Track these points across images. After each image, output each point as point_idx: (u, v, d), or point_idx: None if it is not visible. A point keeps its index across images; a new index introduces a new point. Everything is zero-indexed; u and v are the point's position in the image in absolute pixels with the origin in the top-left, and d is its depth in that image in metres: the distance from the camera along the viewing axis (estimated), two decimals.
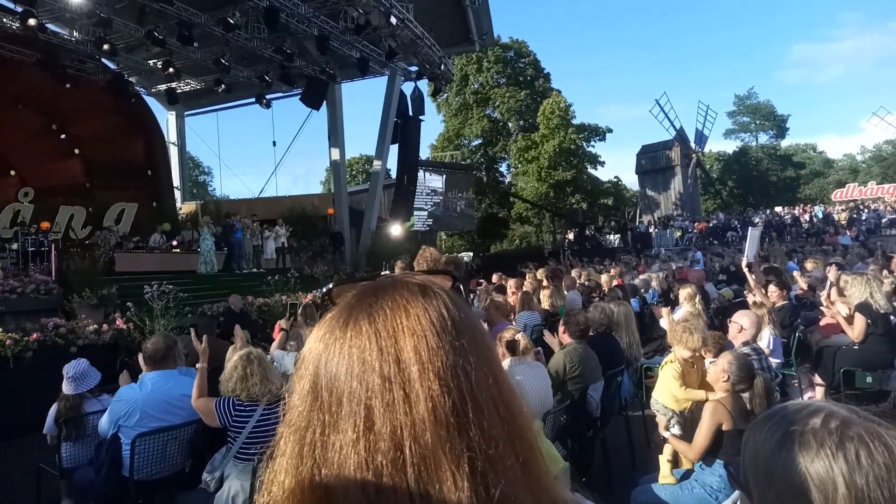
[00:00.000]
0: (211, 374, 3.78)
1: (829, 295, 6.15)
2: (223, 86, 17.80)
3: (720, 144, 60.87)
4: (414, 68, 19.27)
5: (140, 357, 3.94)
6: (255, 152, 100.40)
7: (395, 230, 20.71)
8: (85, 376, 4.24)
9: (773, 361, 4.96)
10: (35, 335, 7.68)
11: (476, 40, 20.79)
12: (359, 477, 0.56)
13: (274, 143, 25.70)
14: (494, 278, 10.68)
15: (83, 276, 10.40)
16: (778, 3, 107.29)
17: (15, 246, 12.81)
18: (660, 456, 3.58)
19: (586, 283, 10.11)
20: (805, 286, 8.29)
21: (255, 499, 0.66)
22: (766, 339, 5.10)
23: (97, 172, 18.63)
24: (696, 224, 31.38)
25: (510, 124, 41.26)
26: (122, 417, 3.65)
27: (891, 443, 0.79)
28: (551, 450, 2.40)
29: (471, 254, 31.76)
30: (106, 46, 14.27)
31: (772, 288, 6.73)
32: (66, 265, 11.03)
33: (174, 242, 16.56)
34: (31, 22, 12.86)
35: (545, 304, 7.98)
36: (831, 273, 7.33)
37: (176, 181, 22.58)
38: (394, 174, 22.64)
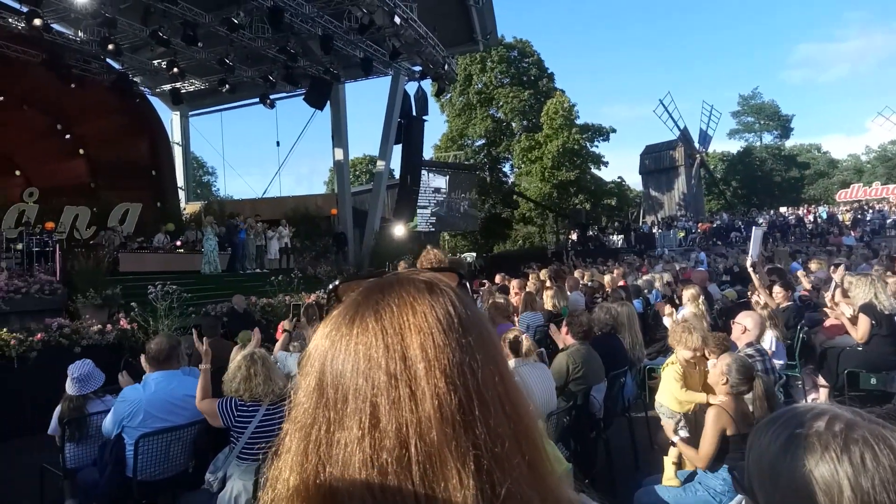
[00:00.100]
0: (215, 374, 3.79)
1: (833, 296, 6.12)
2: (227, 86, 17.83)
3: (724, 144, 60.70)
4: (417, 68, 19.27)
5: (143, 357, 3.95)
6: (258, 152, 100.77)
7: (399, 230, 20.72)
8: (89, 377, 4.25)
9: (777, 363, 4.93)
10: (39, 335, 7.69)
11: (480, 40, 20.77)
12: (363, 474, 0.56)
13: (278, 144, 25.72)
14: (497, 279, 10.68)
15: (87, 276, 10.43)
16: (782, 3, 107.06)
17: (20, 246, 12.83)
18: (665, 458, 3.57)
19: (589, 283, 10.10)
20: (809, 287, 8.26)
21: (259, 495, 0.66)
22: (768, 342, 5.08)
23: (102, 172, 18.67)
24: (699, 224, 31.30)
25: (514, 124, 41.23)
26: (125, 418, 3.65)
27: None
28: (554, 451, 2.40)
29: (474, 254, 31.79)
30: (110, 46, 14.29)
31: (777, 288, 6.71)
32: (70, 265, 11.06)
33: (178, 243, 16.58)
34: (37, 22, 12.91)
35: (548, 305, 7.97)
36: (837, 274, 7.30)
37: (180, 181, 22.63)
38: (397, 174, 22.66)
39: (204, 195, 35.83)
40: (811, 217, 30.33)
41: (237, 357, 3.62)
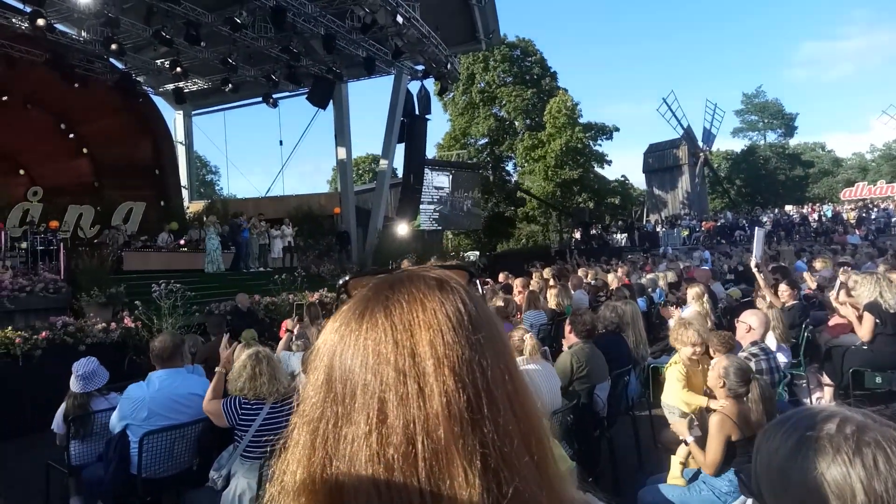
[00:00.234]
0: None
1: (837, 295, 6.10)
2: (230, 85, 17.84)
3: (728, 143, 60.53)
4: (420, 67, 19.26)
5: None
6: (261, 151, 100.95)
7: (402, 229, 20.73)
8: (94, 375, 4.26)
9: (781, 360, 4.91)
10: (44, 333, 7.72)
11: (482, 39, 20.74)
12: (370, 470, 0.56)
13: (281, 143, 25.83)
14: (501, 277, 10.67)
15: (91, 274, 10.46)
16: (786, 1, 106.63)
17: (24, 245, 12.87)
18: (672, 457, 3.55)
19: (593, 282, 10.09)
20: (814, 286, 8.23)
21: (266, 488, 0.66)
22: (771, 345, 5.06)
23: (105, 172, 18.72)
24: (703, 223, 31.23)
25: (517, 123, 41.16)
26: (129, 415, 3.67)
27: None
28: (558, 449, 2.39)
29: (477, 253, 31.72)
30: (114, 46, 14.34)
31: (783, 287, 6.69)
32: (74, 264, 11.10)
33: (182, 241, 16.62)
34: (40, 22, 12.94)
35: (552, 304, 7.97)
36: (843, 274, 7.28)
37: (183, 180, 22.64)
38: (400, 173, 22.64)
39: (207, 194, 35.82)
40: (816, 216, 30.25)
41: (242, 356, 3.62)
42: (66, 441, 4.17)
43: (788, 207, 33.85)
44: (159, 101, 21.28)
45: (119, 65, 17.73)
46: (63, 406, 4.27)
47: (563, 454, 2.43)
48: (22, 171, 17.80)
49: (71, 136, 18.53)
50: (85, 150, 18.76)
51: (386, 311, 0.62)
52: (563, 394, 4.20)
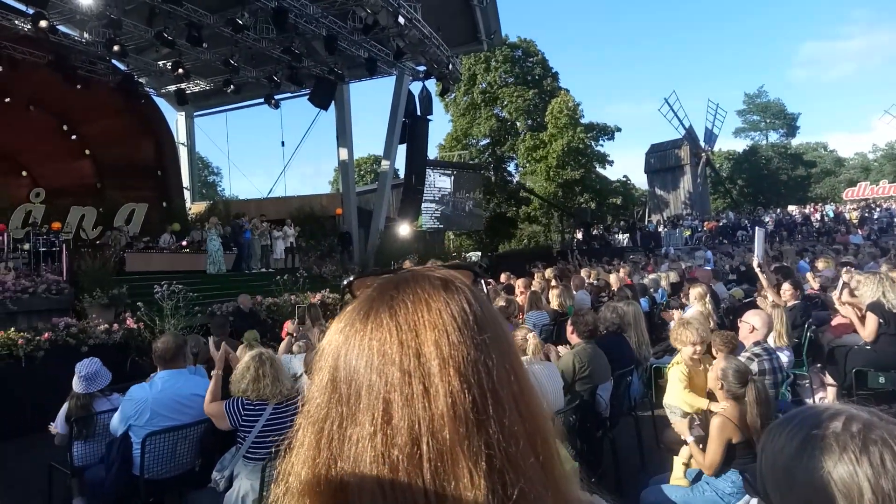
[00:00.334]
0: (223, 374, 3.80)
1: (840, 295, 6.08)
2: (232, 86, 17.85)
3: (730, 143, 60.51)
4: (422, 68, 19.27)
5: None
6: (263, 152, 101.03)
7: (404, 230, 20.72)
8: (97, 376, 4.26)
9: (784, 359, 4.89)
10: (47, 335, 7.74)
11: (484, 40, 20.75)
12: (374, 471, 0.56)
13: (283, 144, 25.85)
14: (503, 278, 10.65)
15: (94, 275, 10.47)
16: (787, 1, 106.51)
17: (27, 246, 12.91)
18: (675, 457, 3.54)
19: (595, 282, 10.07)
20: (816, 286, 8.21)
21: (271, 489, 0.66)
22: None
23: (108, 173, 18.75)
24: (705, 223, 31.21)
25: (518, 124, 41.14)
26: (132, 416, 3.67)
27: None
28: (560, 449, 2.39)
29: (479, 253, 31.72)
30: (116, 48, 14.36)
31: (786, 286, 6.67)
32: (77, 265, 11.11)
33: (184, 242, 16.63)
34: (43, 24, 12.99)
35: (554, 304, 7.96)
36: (846, 275, 7.25)
37: (185, 181, 22.68)
38: (402, 174, 22.65)
39: (209, 195, 35.82)
40: (818, 215, 30.20)
41: (245, 358, 3.62)
42: (68, 441, 4.17)
43: (791, 207, 33.81)
44: (161, 103, 21.39)
45: (121, 66, 17.78)
46: (65, 406, 4.28)
47: (565, 454, 2.42)
48: (24, 173, 17.83)
49: (73, 137, 18.57)
50: (87, 152, 18.80)
51: (391, 311, 0.62)
52: (565, 394, 4.20)
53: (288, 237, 17.60)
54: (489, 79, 40.45)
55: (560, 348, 5.10)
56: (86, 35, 15.44)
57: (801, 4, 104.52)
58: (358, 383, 0.59)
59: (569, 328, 4.81)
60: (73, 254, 11.95)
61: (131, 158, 19.04)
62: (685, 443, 3.40)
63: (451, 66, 18.73)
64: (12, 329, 7.73)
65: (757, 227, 10.74)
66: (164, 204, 19.54)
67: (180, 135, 23.22)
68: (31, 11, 13.26)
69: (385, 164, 21.24)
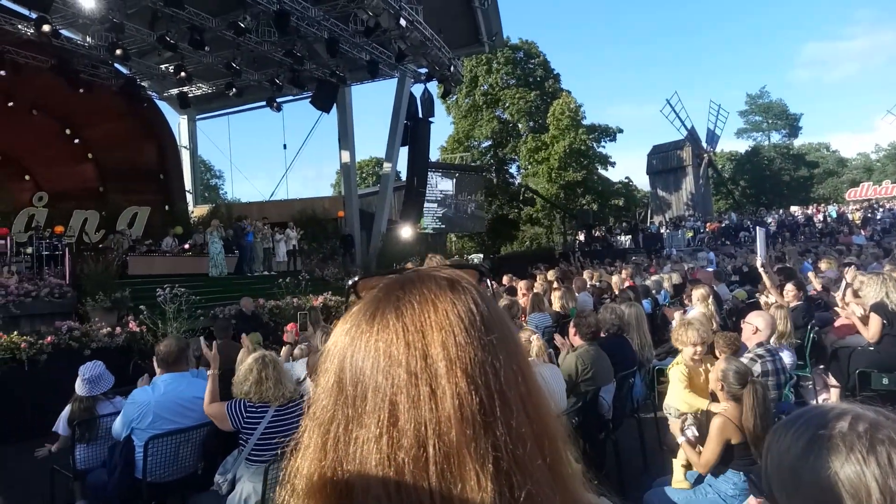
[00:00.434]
0: (224, 376, 3.79)
1: (843, 296, 6.07)
2: (234, 89, 17.91)
3: (732, 144, 60.44)
4: (423, 70, 19.29)
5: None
6: (265, 155, 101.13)
7: (406, 232, 20.74)
8: (100, 379, 4.27)
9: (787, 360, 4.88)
10: (49, 338, 7.74)
11: (486, 42, 20.78)
12: (380, 473, 0.56)
13: (284, 146, 25.78)
14: (505, 280, 10.64)
15: (97, 279, 10.50)
16: (789, 2, 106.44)
17: (30, 250, 12.94)
18: (674, 460, 3.54)
19: (597, 284, 10.06)
20: (819, 287, 8.18)
21: (277, 491, 0.66)
22: None
23: (110, 176, 18.81)
24: (707, 224, 31.13)
25: (520, 125, 41.19)
26: (135, 419, 3.67)
27: None
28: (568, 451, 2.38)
29: (481, 255, 31.74)
30: (118, 51, 14.41)
31: (789, 287, 6.65)
32: (79, 269, 11.14)
33: (186, 246, 16.67)
34: (46, 28, 13.03)
35: (556, 306, 7.94)
36: (848, 275, 7.24)
37: (188, 184, 22.75)
38: (404, 176, 22.68)
39: (212, 198, 35.92)
40: (821, 216, 30.12)
41: (248, 360, 3.62)
42: (71, 444, 4.17)
43: (793, 208, 33.71)
44: (164, 106, 21.44)
45: (124, 70, 17.84)
46: (67, 409, 4.28)
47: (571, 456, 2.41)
48: (27, 177, 17.92)
49: (76, 141, 18.64)
50: (90, 155, 18.86)
51: (397, 312, 0.61)
52: (568, 395, 4.19)
53: (290, 240, 17.63)
54: (491, 81, 40.52)
55: (557, 337, 5.06)
56: (88, 39, 15.51)
57: (804, 5, 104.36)
58: (364, 385, 0.59)
59: (571, 330, 4.81)
60: (76, 257, 11.98)
61: (134, 162, 19.09)
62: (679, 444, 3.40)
63: (452, 68, 18.75)
64: (15, 332, 7.75)
65: (758, 228, 10.73)
66: (167, 207, 19.59)
67: (182, 138, 23.28)
68: (33, 16, 13.31)
69: (387, 166, 21.27)
